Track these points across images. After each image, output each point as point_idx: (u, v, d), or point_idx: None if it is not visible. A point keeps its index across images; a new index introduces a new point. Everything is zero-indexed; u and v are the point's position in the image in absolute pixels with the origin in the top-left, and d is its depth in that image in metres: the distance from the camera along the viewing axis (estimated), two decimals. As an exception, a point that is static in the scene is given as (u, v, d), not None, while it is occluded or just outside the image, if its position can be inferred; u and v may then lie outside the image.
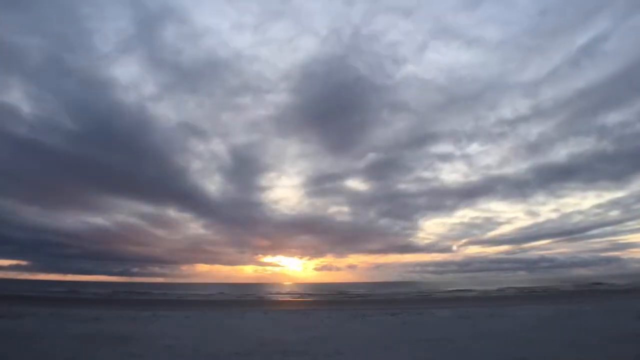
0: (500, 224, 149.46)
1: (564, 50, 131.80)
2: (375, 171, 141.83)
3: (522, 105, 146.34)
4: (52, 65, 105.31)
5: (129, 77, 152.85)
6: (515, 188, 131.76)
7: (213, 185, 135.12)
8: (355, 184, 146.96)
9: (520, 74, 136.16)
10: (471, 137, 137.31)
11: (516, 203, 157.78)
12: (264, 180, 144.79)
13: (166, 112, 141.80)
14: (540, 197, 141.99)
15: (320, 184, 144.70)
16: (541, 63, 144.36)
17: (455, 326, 11.83)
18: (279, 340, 9.31)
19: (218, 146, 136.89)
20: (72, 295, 44.34)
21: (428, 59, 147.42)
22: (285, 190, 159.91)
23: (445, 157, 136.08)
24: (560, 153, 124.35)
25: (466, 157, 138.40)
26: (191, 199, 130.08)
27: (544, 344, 8.14)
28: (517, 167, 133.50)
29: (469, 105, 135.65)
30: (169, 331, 11.28)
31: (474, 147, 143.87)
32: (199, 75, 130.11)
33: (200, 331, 11.32)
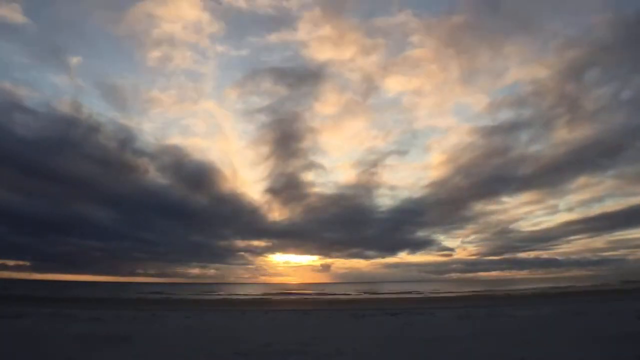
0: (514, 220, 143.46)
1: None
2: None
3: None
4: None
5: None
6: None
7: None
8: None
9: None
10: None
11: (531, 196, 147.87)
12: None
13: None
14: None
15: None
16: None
17: (455, 326, 11.82)
18: (279, 340, 9.29)
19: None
20: (72, 295, 44.32)
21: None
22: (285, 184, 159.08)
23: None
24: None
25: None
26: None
27: (544, 344, 8.13)
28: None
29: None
30: (169, 331, 11.28)
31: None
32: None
33: (201, 331, 11.32)
